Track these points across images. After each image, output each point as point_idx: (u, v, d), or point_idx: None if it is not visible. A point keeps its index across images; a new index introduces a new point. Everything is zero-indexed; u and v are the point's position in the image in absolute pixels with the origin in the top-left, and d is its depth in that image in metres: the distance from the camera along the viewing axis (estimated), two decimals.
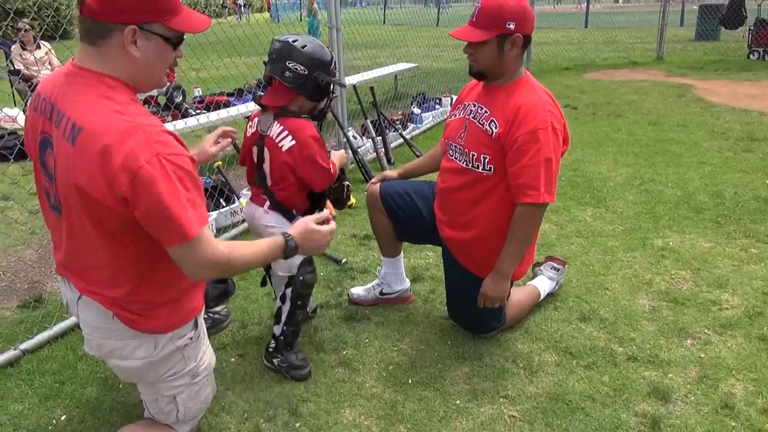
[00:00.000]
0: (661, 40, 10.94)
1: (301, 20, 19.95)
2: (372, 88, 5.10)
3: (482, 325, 2.45)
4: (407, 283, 2.75)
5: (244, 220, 3.63)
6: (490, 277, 2.21)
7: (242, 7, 29.73)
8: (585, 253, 3.24)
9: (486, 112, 2.14)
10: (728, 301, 2.70)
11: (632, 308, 2.67)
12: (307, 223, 1.62)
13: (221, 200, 3.63)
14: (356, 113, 5.89)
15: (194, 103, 6.81)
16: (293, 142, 2.05)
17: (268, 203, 2.18)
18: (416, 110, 6.04)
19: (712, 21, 13.52)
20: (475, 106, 2.20)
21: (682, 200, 3.93)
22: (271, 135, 2.09)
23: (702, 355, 2.31)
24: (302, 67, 2.04)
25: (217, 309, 2.56)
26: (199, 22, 1.39)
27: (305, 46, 2.07)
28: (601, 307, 2.69)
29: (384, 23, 14.95)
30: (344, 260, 3.20)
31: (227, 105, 5.89)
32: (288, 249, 1.54)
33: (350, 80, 5.52)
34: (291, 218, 2.16)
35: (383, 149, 4.96)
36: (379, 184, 2.57)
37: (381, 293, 2.71)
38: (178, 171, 1.27)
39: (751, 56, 10.51)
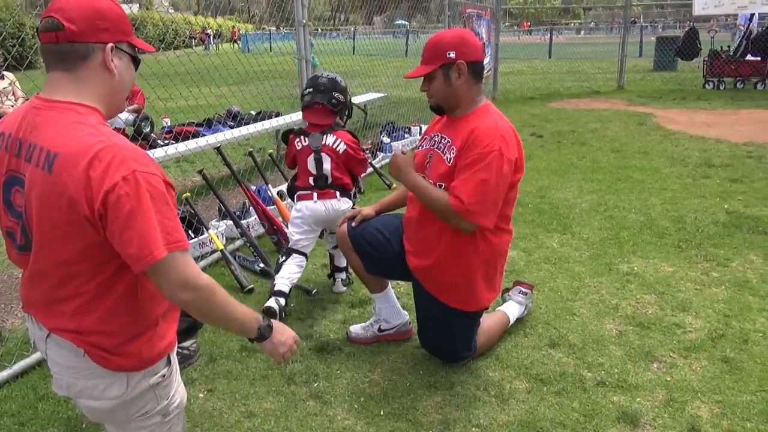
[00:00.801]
0: (621, 70, 11.34)
1: (270, 50, 20.08)
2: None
3: (453, 354, 2.46)
4: (405, 316, 2.70)
5: (213, 251, 3.60)
6: (407, 169, 2.24)
7: (211, 38, 29.79)
8: (553, 279, 3.29)
9: (448, 141, 2.19)
10: (692, 324, 2.77)
11: (600, 333, 2.71)
12: (287, 334, 1.58)
13: (190, 232, 3.59)
14: None
15: (162, 133, 6.76)
16: (345, 145, 2.95)
17: (337, 193, 2.97)
18: (386, 139, 6.12)
19: (668, 52, 14.08)
20: (438, 136, 2.26)
21: (645, 225, 4.04)
22: (327, 144, 2.93)
23: (668, 379, 2.36)
24: (342, 97, 2.97)
25: (186, 344, 2.52)
26: (148, 45, 1.48)
27: (342, 81, 3.00)
28: (570, 332, 2.73)
29: (354, 53, 15.14)
30: (314, 291, 3.18)
31: (196, 135, 5.86)
32: (260, 328, 1.50)
33: None
34: (350, 197, 3.05)
35: None
36: (346, 224, 2.55)
37: (379, 330, 2.66)
38: (153, 190, 1.28)
39: (706, 86, 10.95)
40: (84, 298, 1.39)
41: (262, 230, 3.91)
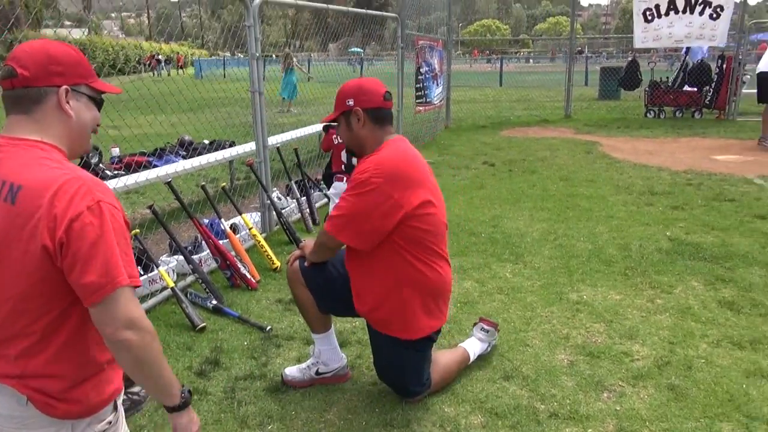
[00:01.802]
0: (568, 99, 11.77)
1: (224, 77, 19.98)
2: (296, 150, 5.16)
3: (405, 388, 2.47)
4: (344, 360, 2.68)
5: (164, 289, 3.51)
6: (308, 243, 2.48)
7: (162, 63, 29.42)
8: (506, 310, 3.34)
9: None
10: (639, 351, 2.86)
11: (552, 364, 2.77)
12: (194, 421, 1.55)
13: (139, 268, 3.49)
14: (280, 174, 5.92)
15: (111, 164, 6.59)
16: None
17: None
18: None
19: (612, 82, 14.72)
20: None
21: (593, 254, 4.16)
22: None
23: (618, 408, 2.42)
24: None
25: (134, 389, 2.43)
26: (114, 87, 1.54)
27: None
28: (523, 364, 2.77)
29: (308, 80, 15.20)
30: (268, 327, 3.14)
31: (147, 166, 5.75)
32: (182, 394, 1.49)
33: (273, 140, 5.56)
34: None
35: (308, 210, 4.98)
36: (297, 261, 2.53)
37: (317, 373, 2.62)
38: (115, 223, 1.32)
39: (647, 114, 11.48)
40: (31, 339, 1.35)
41: (214, 265, 3.85)
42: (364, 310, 2.36)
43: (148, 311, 3.31)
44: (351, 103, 2.25)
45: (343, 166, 4.14)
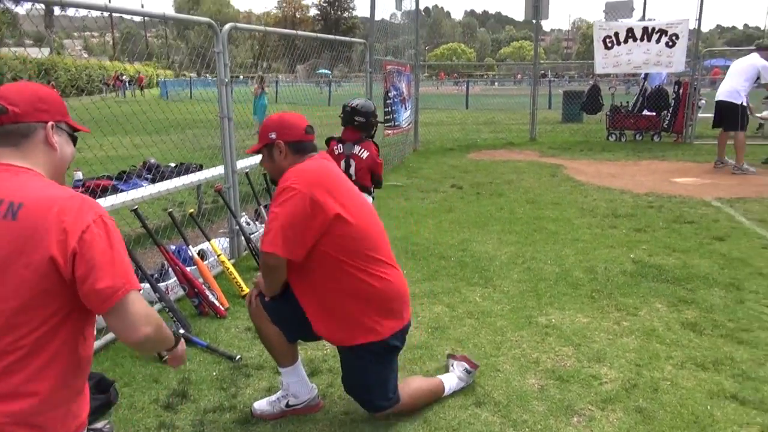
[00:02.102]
0: (533, 122, 12.04)
1: (191, 98, 19.82)
2: (265, 175, 5.12)
3: (371, 402, 2.48)
4: (314, 390, 2.65)
5: None
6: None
7: (126, 83, 29.06)
8: (476, 335, 3.37)
9: None
10: (607, 374, 2.91)
11: (523, 389, 2.79)
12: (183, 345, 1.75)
13: None
14: (248, 197, 5.87)
15: (75, 188, 6.44)
16: (367, 153, 4.14)
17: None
18: None
19: (575, 105, 15.12)
20: None
21: (560, 277, 4.23)
22: (354, 152, 4.13)
23: None
24: (363, 119, 4.15)
25: (98, 425, 2.36)
26: (83, 127, 1.68)
27: (362, 106, 4.16)
28: (495, 389, 2.79)
29: (276, 101, 15.20)
30: (238, 357, 3.09)
31: (112, 190, 5.63)
32: (175, 333, 1.67)
33: (242, 164, 5.53)
34: (369, 193, 4.18)
35: None
36: (257, 299, 2.49)
37: (287, 405, 2.58)
38: (116, 233, 1.46)
39: (609, 138, 11.81)
40: (17, 354, 1.37)
41: (182, 293, 3.78)
42: (323, 331, 2.38)
43: (113, 342, 3.23)
44: (273, 136, 2.38)
45: (351, 177, 4.28)
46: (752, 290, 3.91)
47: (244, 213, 4.98)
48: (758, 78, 8.01)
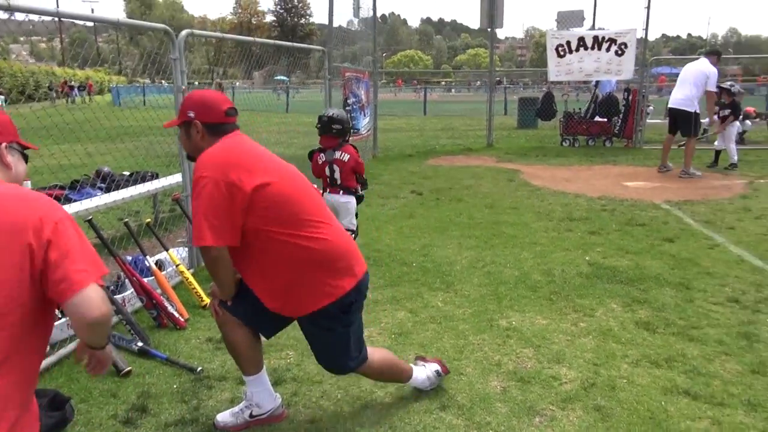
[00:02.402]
0: (490, 128, 12.25)
1: (144, 105, 19.36)
2: None
3: (337, 366, 2.52)
4: (278, 399, 2.61)
5: None
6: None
7: (75, 90, 28.22)
8: (439, 339, 3.40)
9: None
10: (566, 375, 2.98)
11: (486, 391, 2.83)
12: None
13: (57, 312, 3.29)
14: None
15: None
16: (348, 155, 4.43)
17: (341, 191, 4.48)
18: None
19: (530, 112, 15.47)
20: None
21: (519, 280, 4.32)
22: (336, 158, 4.41)
23: None
24: (340, 126, 4.42)
25: None
26: (32, 144, 1.78)
27: (337, 115, 4.47)
28: (458, 393, 2.82)
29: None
30: (199, 368, 3.03)
31: (65, 200, 5.45)
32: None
33: None
34: (353, 194, 4.54)
35: None
36: (220, 309, 2.44)
37: (251, 416, 2.54)
38: (78, 228, 1.54)
39: (563, 143, 12.12)
40: None
41: (139, 305, 3.69)
42: (276, 307, 2.34)
43: (67, 356, 3.13)
44: (192, 115, 2.33)
45: (328, 180, 4.53)
46: (700, 289, 4.08)
47: None
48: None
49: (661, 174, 8.64)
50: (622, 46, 11.01)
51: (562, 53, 11.26)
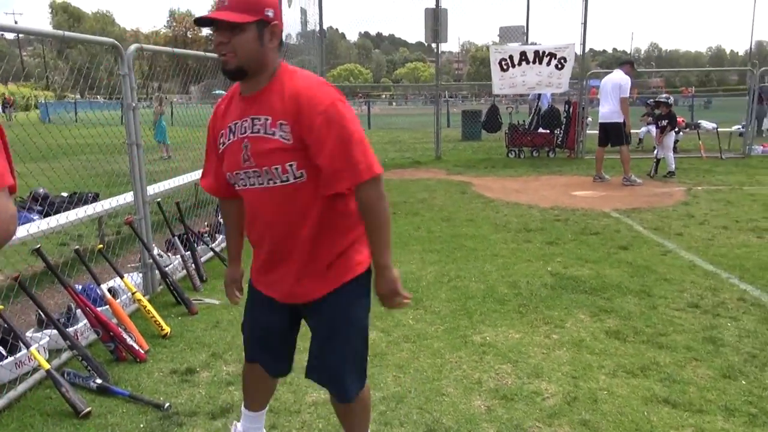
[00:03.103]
0: (437, 141, 12.36)
1: (77, 121, 18.52)
2: (178, 203, 4.84)
3: (342, 384, 2.07)
4: None
5: (35, 370, 3.06)
6: (377, 277, 1.94)
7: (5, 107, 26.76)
8: (416, 359, 3.32)
9: (267, 120, 1.82)
10: (547, 389, 2.96)
11: (471, 412, 2.77)
12: None
13: (3, 351, 3.02)
14: (158, 226, 5.51)
15: None
16: None
17: None
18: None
19: (474, 124, 15.75)
20: (247, 121, 1.87)
21: (487, 294, 4.31)
22: None
23: None
24: None
25: None
26: None
27: None
28: (443, 415, 2.75)
29: (171, 123, 14.56)
30: (166, 404, 2.83)
31: None
32: None
33: (151, 191, 5.18)
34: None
35: (193, 266, 4.67)
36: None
37: None
38: None
39: (509, 155, 12.39)
40: None
41: (94, 337, 3.44)
42: (322, 267, 1.94)
43: (17, 400, 2.86)
44: (271, 14, 1.80)
45: None
46: (661, 296, 4.18)
47: (154, 245, 4.65)
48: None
49: (606, 183, 8.92)
50: (562, 60, 11.38)
51: (505, 67, 11.54)
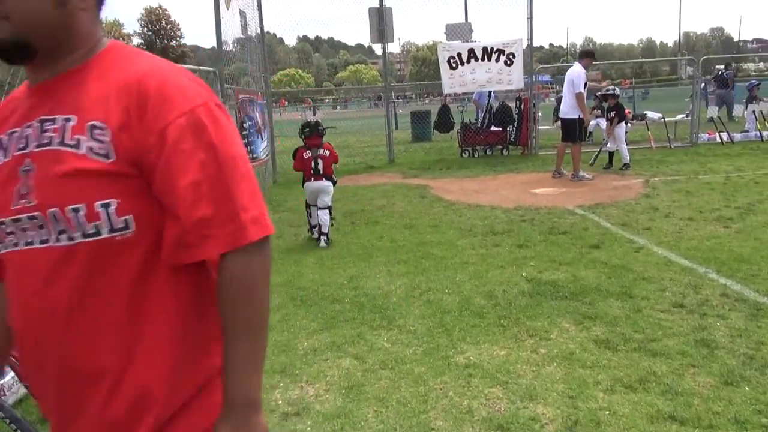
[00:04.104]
0: (390, 144, 12.13)
1: None
2: None
3: None
4: None
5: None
6: (224, 422, 1.05)
7: None
8: (397, 389, 3.04)
9: (68, 121, 1.03)
10: (544, 414, 2.73)
11: None
12: None
13: None
14: None
15: None
16: (329, 152, 5.92)
17: (324, 179, 5.87)
18: None
19: (422, 125, 15.62)
20: (32, 127, 1.06)
21: (463, 307, 4.06)
22: (320, 154, 5.84)
23: None
24: (323, 128, 6.00)
25: None
26: None
27: (319, 120, 6.30)
28: None
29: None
30: None
31: None
32: None
33: None
34: (331, 180, 6.00)
35: None
36: None
37: None
38: None
39: (463, 154, 12.28)
40: None
41: (24, 391, 3.00)
42: (162, 417, 1.07)
43: None
44: None
45: (312, 171, 5.91)
46: (643, 297, 4.04)
47: None
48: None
49: (565, 180, 8.89)
50: (510, 56, 11.36)
51: (454, 65, 11.41)
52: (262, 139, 9.12)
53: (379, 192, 8.76)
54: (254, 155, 8.28)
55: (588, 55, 8.95)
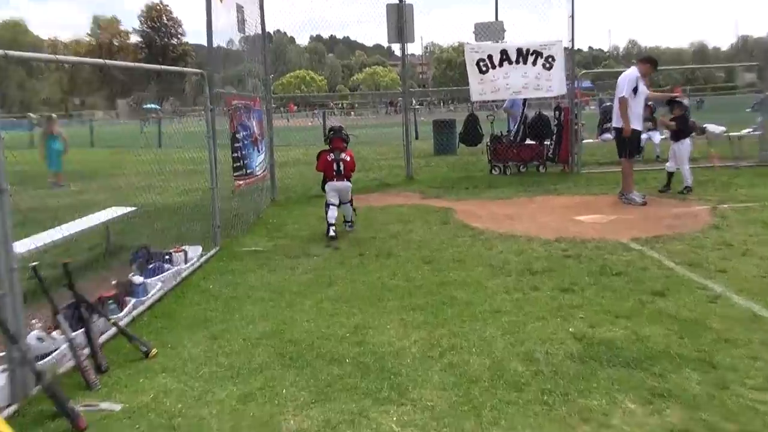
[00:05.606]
0: (408, 158, 11.65)
1: None
2: (66, 264, 3.93)
3: None
4: None
5: None
6: None
7: None
8: None
9: None
10: None
11: None
12: None
13: None
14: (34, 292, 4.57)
15: None
16: (349, 157, 7.47)
17: (345, 179, 7.36)
18: (137, 279, 4.92)
19: (447, 135, 15.13)
20: None
21: (495, 374, 3.53)
22: (342, 158, 7.35)
23: None
24: (347, 135, 7.62)
25: None
26: None
27: (343, 128, 7.67)
28: None
29: (92, 145, 13.52)
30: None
31: None
32: None
33: (21, 249, 4.29)
34: (350, 181, 7.53)
35: (89, 350, 3.77)
36: None
37: None
38: None
39: (492, 171, 11.75)
40: None
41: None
42: None
43: None
44: None
45: (335, 173, 7.21)
46: (729, 367, 3.48)
47: (32, 325, 3.75)
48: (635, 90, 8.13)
49: (617, 203, 8.35)
50: (550, 59, 10.88)
51: (484, 69, 10.96)
52: (259, 150, 8.68)
53: (394, 215, 8.26)
54: (247, 171, 7.81)
55: (648, 61, 8.48)
